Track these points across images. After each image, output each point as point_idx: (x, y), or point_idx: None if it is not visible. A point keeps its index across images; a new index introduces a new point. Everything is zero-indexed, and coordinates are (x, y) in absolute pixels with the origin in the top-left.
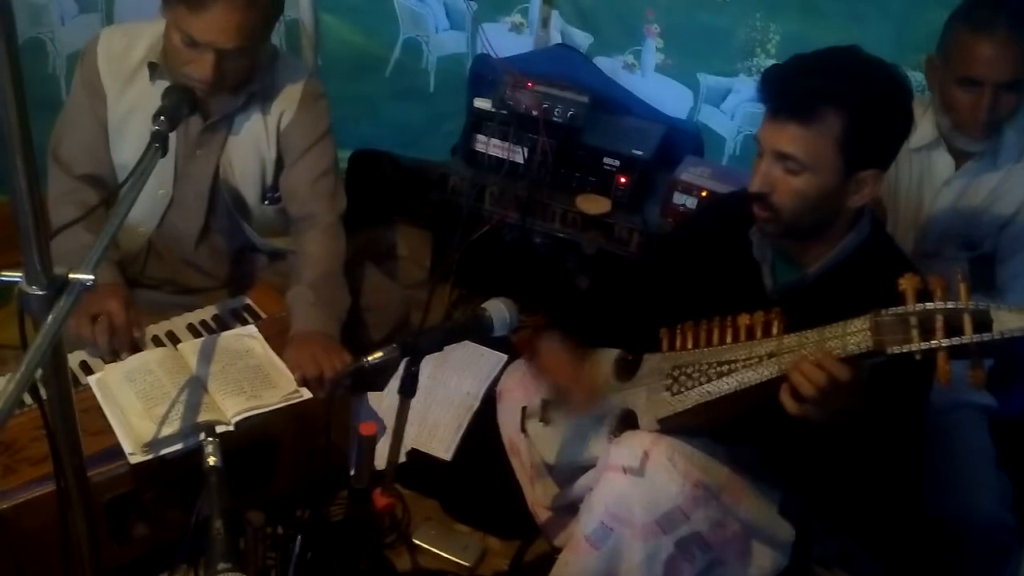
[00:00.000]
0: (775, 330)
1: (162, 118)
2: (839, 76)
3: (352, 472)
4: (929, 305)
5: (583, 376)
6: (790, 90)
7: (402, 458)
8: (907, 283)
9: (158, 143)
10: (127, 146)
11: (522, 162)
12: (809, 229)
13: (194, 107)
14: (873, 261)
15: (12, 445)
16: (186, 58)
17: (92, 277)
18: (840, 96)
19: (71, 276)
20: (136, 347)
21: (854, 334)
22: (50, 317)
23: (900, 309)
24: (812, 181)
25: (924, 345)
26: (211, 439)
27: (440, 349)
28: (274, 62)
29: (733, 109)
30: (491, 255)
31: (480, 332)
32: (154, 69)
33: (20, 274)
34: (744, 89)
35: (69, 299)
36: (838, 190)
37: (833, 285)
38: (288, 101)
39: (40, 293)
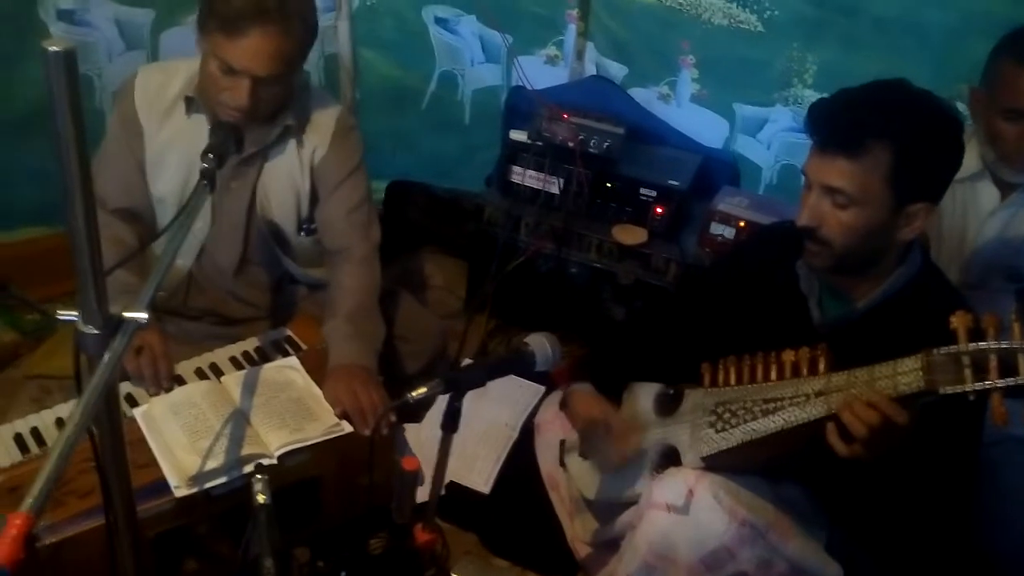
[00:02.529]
0: (821, 367)
1: (210, 155)
2: (886, 109)
3: (393, 506)
4: (982, 344)
5: (618, 420)
6: (837, 124)
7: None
8: (959, 321)
9: (207, 180)
10: (164, 179)
11: (558, 193)
12: (859, 263)
13: (240, 144)
14: (924, 295)
15: (60, 478)
16: (222, 86)
17: (146, 315)
18: (887, 130)
19: (126, 315)
20: (177, 379)
21: (905, 373)
22: (106, 356)
23: (953, 348)
24: (861, 215)
25: (978, 386)
26: (260, 476)
27: (483, 384)
28: (307, 95)
29: (770, 139)
30: (527, 285)
31: (522, 367)
32: (190, 103)
33: (76, 313)
34: (781, 119)
35: (124, 338)
36: (888, 223)
37: (883, 320)
38: (321, 135)
39: (96, 332)
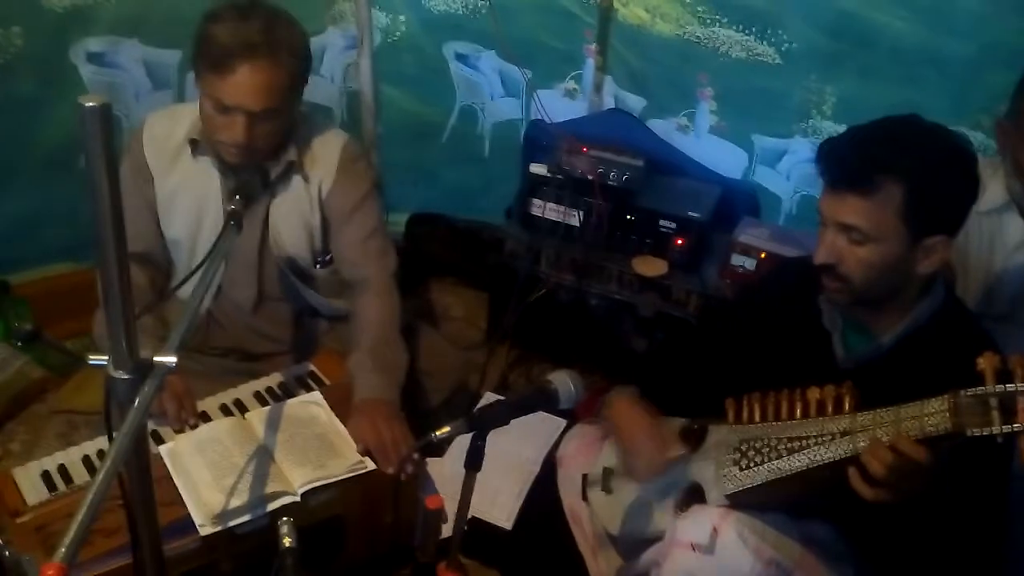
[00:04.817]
0: (847, 405)
1: (238, 197)
2: (895, 145)
3: (417, 545)
4: (1010, 386)
5: (657, 431)
6: (846, 162)
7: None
8: (986, 362)
9: (234, 221)
10: (176, 223)
11: (578, 225)
12: (880, 297)
13: (267, 184)
14: (948, 330)
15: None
16: (219, 124)
17: (175, 359)
18: (897, 165)
19: (156, 360)
20: (201, 415)
21: (932, 415)
22: (136, 401)
23: (980, 390)
24: (878, 250)
25: (1006, 428)
26: (285, 519)
27: (507, 423)
28: (309, 128)
29: (789, 169)
30: (547, 317)
31: (546, 405)
32: (196, 145)
33: (106, 358)
34: (800, 150)
35: (154, 383)
36: (906, 258)
37: (908, 356)
38: (326, 167)
39: (126, 377)
